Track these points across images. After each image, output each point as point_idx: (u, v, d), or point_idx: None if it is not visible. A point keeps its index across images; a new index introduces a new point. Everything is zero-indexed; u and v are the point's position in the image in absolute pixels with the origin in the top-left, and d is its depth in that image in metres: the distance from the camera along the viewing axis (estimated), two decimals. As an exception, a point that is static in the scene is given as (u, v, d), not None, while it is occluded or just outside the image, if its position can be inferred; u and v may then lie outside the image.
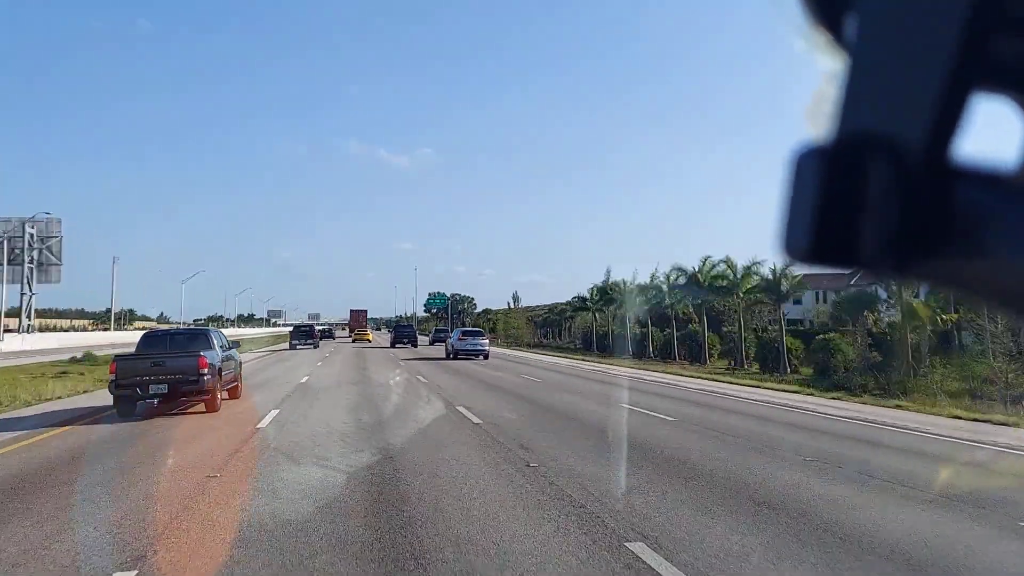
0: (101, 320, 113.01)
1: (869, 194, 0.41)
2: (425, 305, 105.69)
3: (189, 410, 13.20)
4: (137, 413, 12.73)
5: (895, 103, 0.42)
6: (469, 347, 33.49)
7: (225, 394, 14.30)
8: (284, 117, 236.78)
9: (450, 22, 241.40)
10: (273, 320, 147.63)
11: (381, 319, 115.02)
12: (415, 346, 50.43)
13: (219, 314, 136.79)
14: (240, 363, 16.32)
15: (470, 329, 39.19)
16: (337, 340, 73.35)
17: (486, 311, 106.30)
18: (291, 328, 58.93)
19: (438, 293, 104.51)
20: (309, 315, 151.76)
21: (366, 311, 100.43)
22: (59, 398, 16.28)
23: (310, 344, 47.64)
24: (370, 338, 70.97)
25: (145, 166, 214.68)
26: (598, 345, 55.58)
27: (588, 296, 59.30)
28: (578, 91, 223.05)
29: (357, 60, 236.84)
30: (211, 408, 12.99)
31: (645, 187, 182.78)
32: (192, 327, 34.52)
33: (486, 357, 33.46)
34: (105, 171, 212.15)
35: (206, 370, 12.59)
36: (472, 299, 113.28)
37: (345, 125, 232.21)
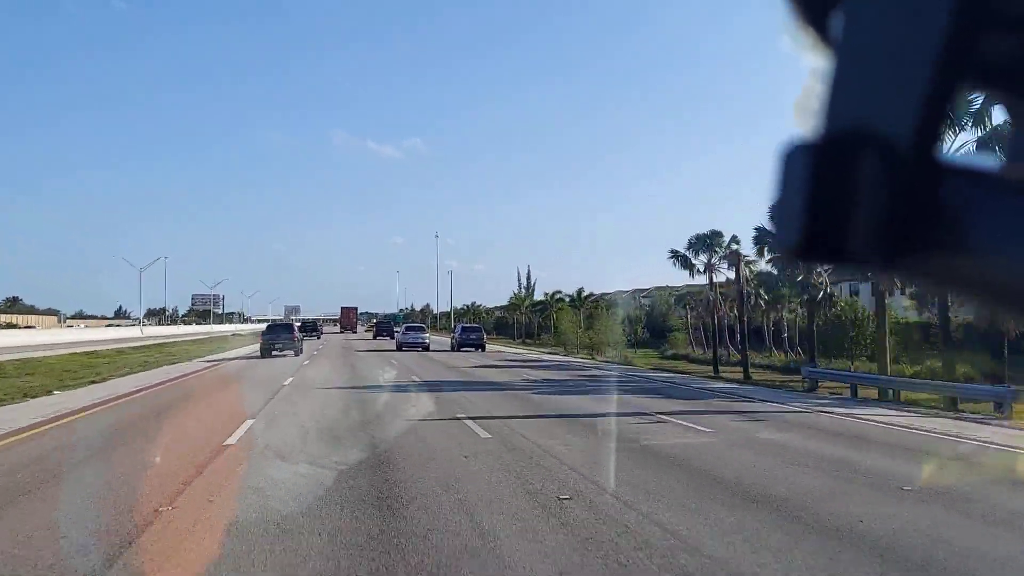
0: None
1: (857, 190, 0.42)
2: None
3: (287, 356, 31.93)
4: (269, 356, 31.33)
5: (882, 100, 0.42)
6: (411, 340, 38.00)
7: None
8: (271, 108, 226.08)
9: (444, 18, 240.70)
10: (204, 308, 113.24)
11: (379, 315, 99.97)
12: (393, 338, 53.19)
13: (175, 306, 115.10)
14: (303, 338, 35.44)
15: (413, 324, 45.28)
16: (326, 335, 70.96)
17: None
18: (298, 324, 68.70)
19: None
20: (286, 308, 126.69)
21: (356, 308, 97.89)
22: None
23: (313, 336, 62.18)
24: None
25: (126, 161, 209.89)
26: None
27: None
28: (580, 85, 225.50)
29: (352, 53, 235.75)
30: (296, 354, 31.54)
31: (647, 184, 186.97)
32: (286, 321, 51.99)
33: (426, 349, 37.23)
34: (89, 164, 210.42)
35: (295, 340, 31.56)
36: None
37: (334, 116, 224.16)
